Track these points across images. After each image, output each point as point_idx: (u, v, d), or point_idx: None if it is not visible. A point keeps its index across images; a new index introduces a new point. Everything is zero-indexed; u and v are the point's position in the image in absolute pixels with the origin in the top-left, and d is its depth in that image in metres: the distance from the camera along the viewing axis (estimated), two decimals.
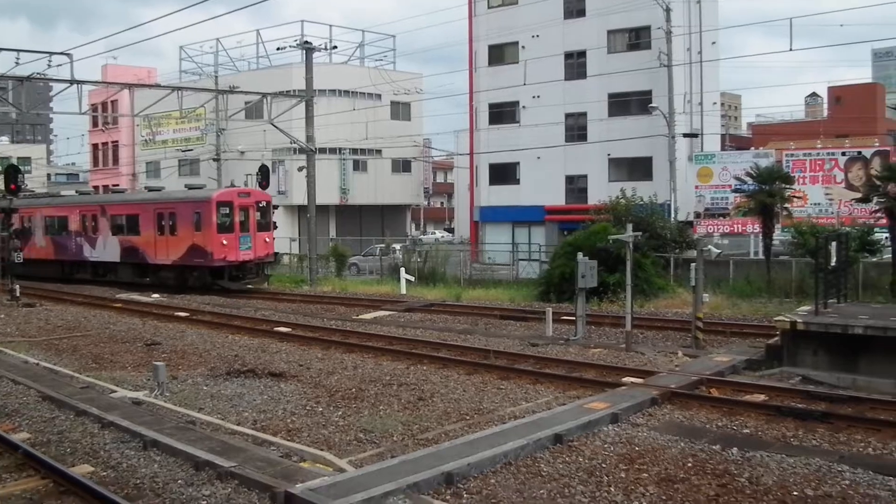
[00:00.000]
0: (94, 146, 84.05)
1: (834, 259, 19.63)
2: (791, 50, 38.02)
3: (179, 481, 11.08)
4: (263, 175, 42.22)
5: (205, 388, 17.17)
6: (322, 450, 12.55)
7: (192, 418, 14.48)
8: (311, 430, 13.84)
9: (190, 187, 41.79)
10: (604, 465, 11.52)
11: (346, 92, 63.38)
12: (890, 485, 10.66)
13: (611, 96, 49.58)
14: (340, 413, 14.96)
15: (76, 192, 49.10)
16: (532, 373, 18.15)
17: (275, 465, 11.43)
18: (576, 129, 51.03)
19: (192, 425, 13.92)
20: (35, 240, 45.69)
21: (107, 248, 41.40)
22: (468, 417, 14.54)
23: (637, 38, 49.23)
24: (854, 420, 13.94)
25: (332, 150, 61.11)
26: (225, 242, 36.18)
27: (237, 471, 11.04)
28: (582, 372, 18.26)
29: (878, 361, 16.86)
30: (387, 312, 29.66)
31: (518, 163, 50.77)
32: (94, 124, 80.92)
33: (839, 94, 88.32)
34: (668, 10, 43.57)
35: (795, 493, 10.43)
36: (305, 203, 43.69)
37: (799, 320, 17.97)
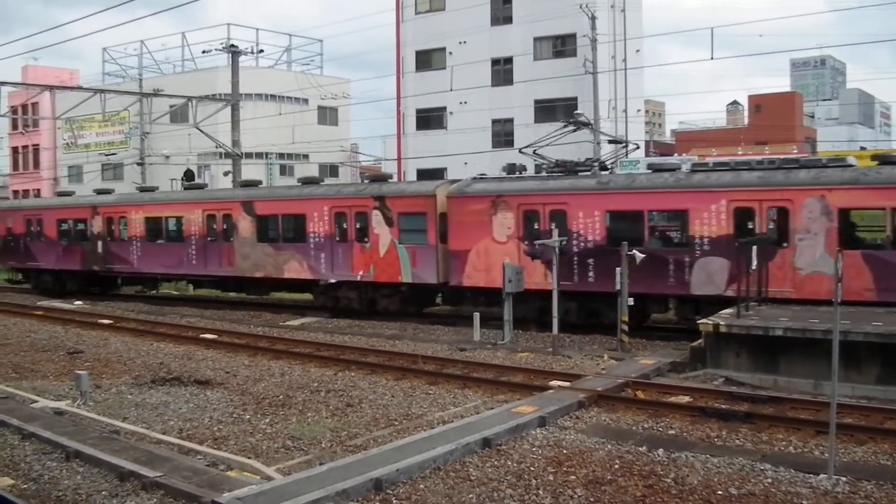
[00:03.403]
0: (14, 149, 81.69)
1: (755, 262, 20.03)
2: (713, 59, 38.66)
3: (103, 492, 10.88)
4: (189, 179, 41.69)
5: (129, 396, 16.86)
6: (249, 458, 12.43)
7: (116, 428, 14.20)
8: (238, 438, 13.69)
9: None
10: (532, 469, 11.61)
11: (273, 96, 62.79)
12: (810, 482, 10.95)
13: (537, 102, 49.92)
14: (268, 420, 14.83)
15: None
16: (460, 377, 18.25)
17: (201, 475, 11.28)
18: (502, 134, 51.30)
19: (117, 435, 13.66)
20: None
21: None
22: (397, 423, 14.54)
23: (563, 46, 49.70)
24: (775, 419, 14.31)
25: (259, 155, 60.35)
26: None
27: (163, 481, 10.87)
28: (510, 376, 18.40)
29: (797, 362, 17.28)
30: (314, 319, 29.44)
31: (445, 168, 50.61)
32: (14, 127, 78.73)
33: (759, 103, 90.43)
34: (593, 19, 44.09)
35: (720, 492, 10.65)
36: None
37: (721, 323, 18.31)
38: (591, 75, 43.77)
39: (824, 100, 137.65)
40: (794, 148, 53.97)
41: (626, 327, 21.39)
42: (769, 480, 11.09)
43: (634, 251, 21.54)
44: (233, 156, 42.01)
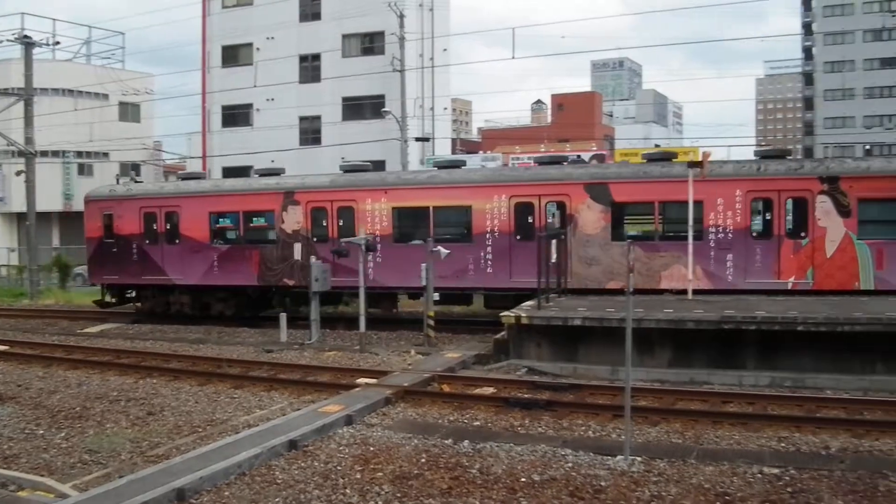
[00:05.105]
0: None
1: (554, 256, 20.71)
2: (514, 58, 40.08)
3: None
4: None
5: None
6: (43, 476, 11.82)
7: None
8: (30, 455, 12.98)
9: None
10: (339, 468, 11.57)
11: (70, 91, 59.87)
12: (608, 464, 11.45)
13: (345, 100, 49.97)
14: (63, 434, 14.14)
15: None
16: (266, 379, 18.04)
17: None
18: (310, 132, 51.05)
19: None
20: None
21: None
22: (201, 430, 14.19)
23: (371, 43, 49.91)
24: (575, 406, 14.90)
25: (55, 153, 57.46)
26: None
27: None
28: (317, 376, 18.34)
29: (595, 350, 18.02)
30: (114, 325, 28.29)
31: (252, 166, 49.86)
32: None
33: (561, 102, 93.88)
34: (401, 17, 44.47)
35: (523, 479, 10.94)
36: (25, 210, 40.77)
37: (523, 315, 18.83)
38: (399, 73, 44.10)
39: (622, 99, 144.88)
40: (593, 145, 56.37)
41: (431, 322, 21.69)
42: (570, 465, 11.48)
43: (439, 247, 21.84)
44: (26, 154, 39.76)
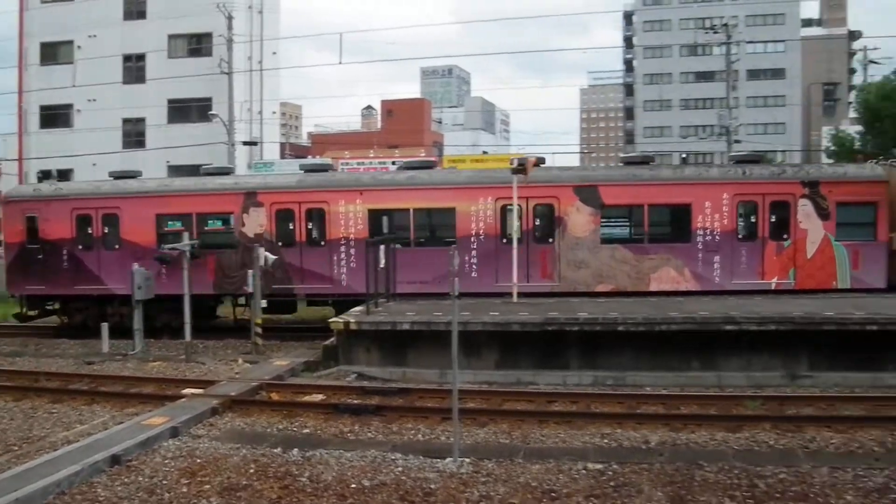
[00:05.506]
0: None
1: (383, 261, 20.83)
2: (341, 63, 40.24)
3: None
4: None
5: None
6: None
7: None
8: None
9: None
10: (165, 482, 11.27)
11: None
12: (437, 466, 11.60)
13: (171, 102, 48.75)
14: None
15: None
16: (87, 392, 17.33)
17: None
18: (134, 134, 49.55)
19: None
20: None
21: None
22: (16, 448, 13.48)
23: (199, 44, 48.93)
24: (405, 410, 15.02)
25: None
26: None
27: None
28: (140, 387, 17.78)
29: (424, 354, 18.25)
30: None
31: (72, 170, 47.97)
32: None
33: (391, 108, 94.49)
34: (230, 18, 43.79)
35: (354, 485, 10.96)
36: None
37: (352, 320, 18.85)
38: (227, 75, 43.37)
39: (451, 106, 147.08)
40: (422, 151, 57.04)
41: (259, 329, 21.42)
42: (399, 469, 11.57)
43: (266, 253, 21.60)
44: None
